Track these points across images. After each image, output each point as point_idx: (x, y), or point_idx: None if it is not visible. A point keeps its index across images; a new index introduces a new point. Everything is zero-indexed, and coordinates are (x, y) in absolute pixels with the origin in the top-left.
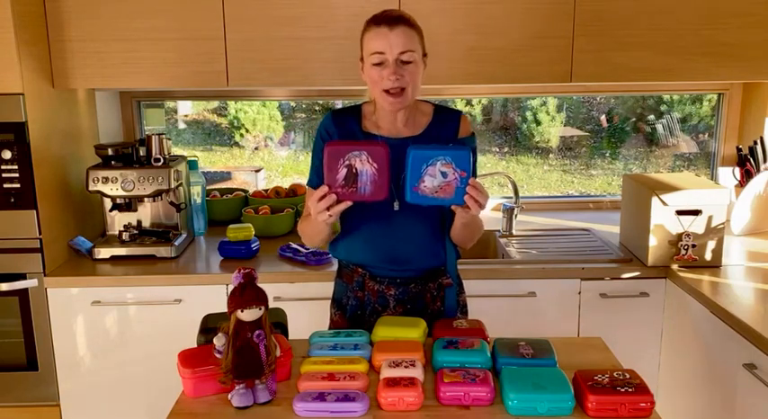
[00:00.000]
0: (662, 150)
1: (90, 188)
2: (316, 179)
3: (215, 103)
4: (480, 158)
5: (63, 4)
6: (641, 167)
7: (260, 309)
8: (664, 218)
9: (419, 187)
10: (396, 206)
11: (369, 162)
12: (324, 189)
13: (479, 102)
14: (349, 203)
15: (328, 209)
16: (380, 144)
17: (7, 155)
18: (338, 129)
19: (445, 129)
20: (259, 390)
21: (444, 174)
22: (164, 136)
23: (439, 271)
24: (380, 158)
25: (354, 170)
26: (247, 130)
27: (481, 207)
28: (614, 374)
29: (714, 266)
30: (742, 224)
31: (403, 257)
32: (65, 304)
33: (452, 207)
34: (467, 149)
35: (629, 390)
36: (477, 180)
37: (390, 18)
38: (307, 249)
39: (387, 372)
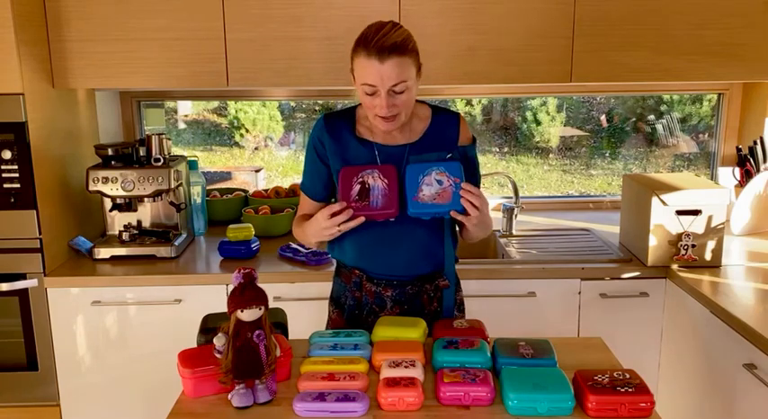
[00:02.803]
0: (662, 150)
1: (90, 188)
2: (309, 183)
3: (215, 103)
4: (480, 158)
5: (63, 4)
6: (641, 167)
7: (260, 309)
8: (664, 218)
9: (418, 196)
10: None
11: (380, 178)
12: (341, 204)
13: (479, 102)
14: (361, 220)
15: (339, 225)
16: (390, 165)
17: (7, 155)
18: (330, 136)
19: (445, 135)
20: (259, 390)
21: (440, 182)
22: (164, 136)
23: (436, 273)
24: (390, 175)
25: (367, 185)
26: (247, 130)
27: (478, 209)
28: (614, 374)
29: (714, 266)
30: (742, 224)
31: (400, 264)
32: (65, 304)
33: (454, 215)
34: (457, 162)
35: (629, 390)
36: (481, 182)
37: (381, 49)
38: (307, 249)
39: (387, 372)
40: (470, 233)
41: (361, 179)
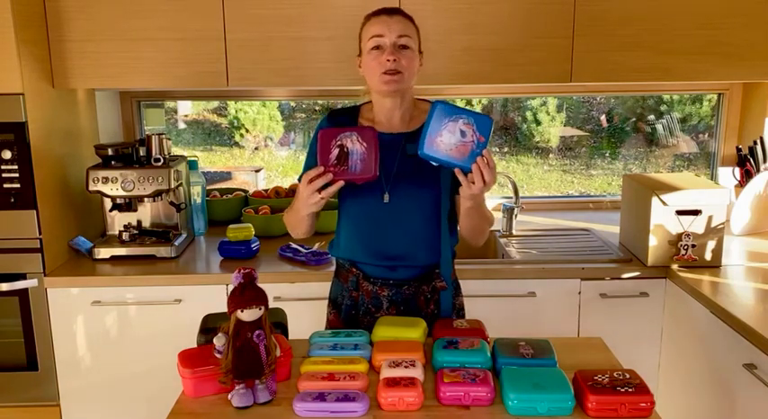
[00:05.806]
0: (662, 150)
1: (90, 188)
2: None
3: (215, 103)
4: None
5: (63, 4)
6: (641, 167)
7: (260, 309)
8: (664, 218)
9: (435, 140)
10: (386, 198)
11: (359, 141)
12: (318, 169)
13: (479, 102)
14: (340, 184)
15: (320, 191)
16: (369, 127)
17: (7, 155)
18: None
19: None
20: (259, 390)
21: (463, 134)
22: (164, 136)
23: (433, 274)
24: (369, 138)
25: (346, 149)
26: (247, 130)
27: (485, 182)
28: (614, 374)
29: (714, 266)
30: (742, 224)
31: (395, 253)
32: (65, 304)
33: (458, 175)
34: (490, 118)
35: (629, 390)
36: None
37: (389, 9)
38: (307, 249)
39: (387, 372)
40: (464, 217)
41: (339, 142)
